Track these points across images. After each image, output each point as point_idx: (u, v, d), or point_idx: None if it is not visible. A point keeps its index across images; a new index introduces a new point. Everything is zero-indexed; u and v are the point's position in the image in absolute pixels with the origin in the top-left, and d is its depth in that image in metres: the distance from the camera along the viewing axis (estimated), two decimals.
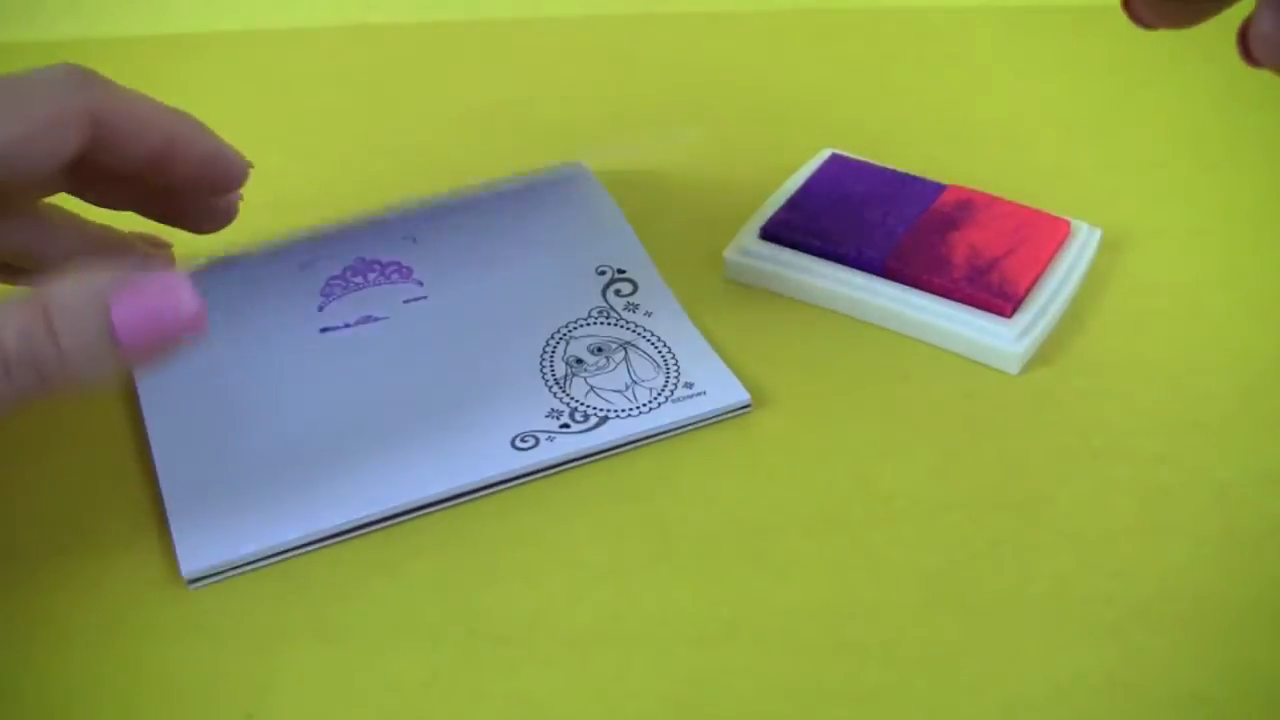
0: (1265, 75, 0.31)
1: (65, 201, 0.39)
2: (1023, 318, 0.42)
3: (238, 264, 0.39)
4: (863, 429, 0.40)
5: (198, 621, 0.35)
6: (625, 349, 0.42)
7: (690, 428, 0.40)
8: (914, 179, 0.47)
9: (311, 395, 0.40)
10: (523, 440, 0.39)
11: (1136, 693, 0.33)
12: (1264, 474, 0.38)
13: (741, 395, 0.41)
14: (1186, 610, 0.35)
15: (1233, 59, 0.31)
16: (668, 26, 0.59)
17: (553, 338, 0.42)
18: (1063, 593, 0.35)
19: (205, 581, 0.36)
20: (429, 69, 0.58)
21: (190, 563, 0.36)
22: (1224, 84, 0.54)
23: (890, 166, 0.48)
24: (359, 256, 0.45)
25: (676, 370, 0.41)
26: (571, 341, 0.42)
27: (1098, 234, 0.45)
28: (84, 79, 0.36)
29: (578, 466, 0.39)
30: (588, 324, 0.43)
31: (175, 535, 0.36)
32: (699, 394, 0.41)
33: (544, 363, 0.42)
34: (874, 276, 0.43)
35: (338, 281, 0.44)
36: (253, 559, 0.36)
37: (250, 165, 0.40)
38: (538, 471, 0.39)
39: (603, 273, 0.45)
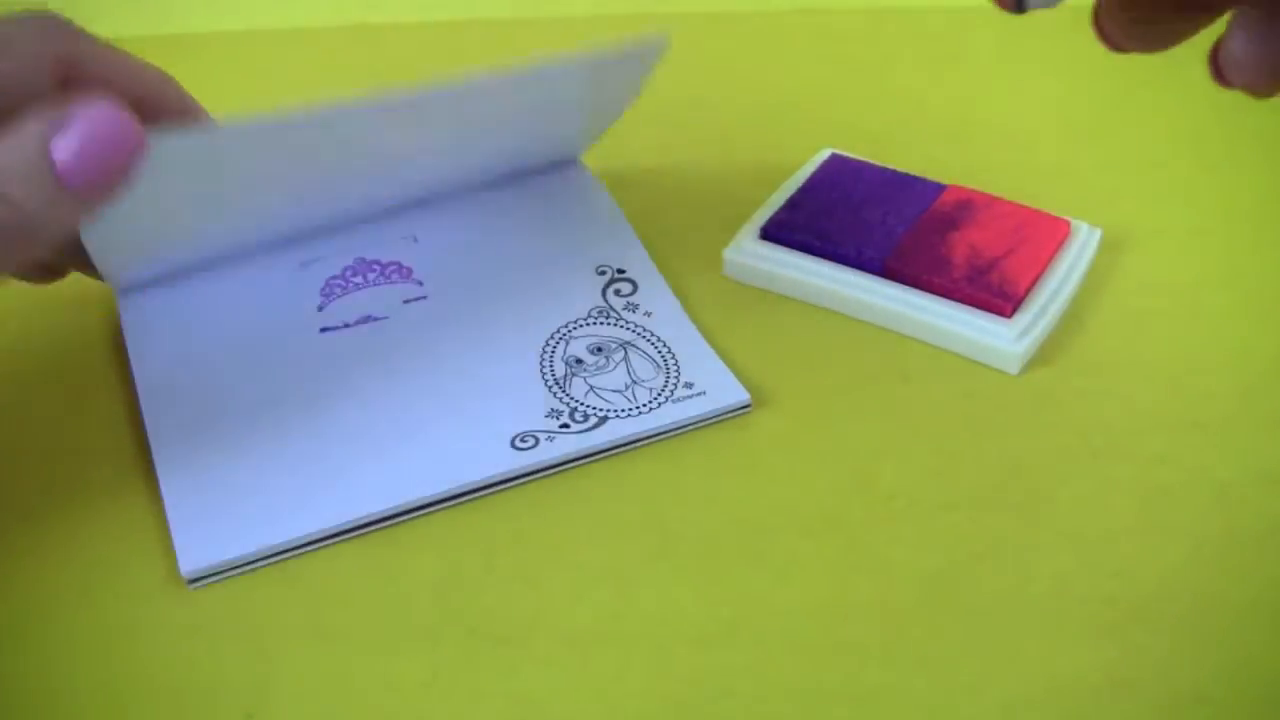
0: None
1: None
2: (1023, 318, 0.42)
3: (207, 135, 0.37)
4: (863, 429, 0.40)
5: (198, 621, 0.35)
6: (625, 349, 0.42)
7: (690, 428, 0.40)
8: (914, 179, 0.47)
9: (311, 395, 0.40)
10: (522, 440, 0.39)
11: (1136, 692, 0.33)
12: (1264, 474, 0.38)
13: (741, 395, 0.41)
14: (1186, 610, 0.35)
15: None
16: (668, 26, 0.59)
17: (552, 338, 0.42)
18: (1063, 593, 0.35)
19: (205, 581, 0.36)
20: (429, 69, 0.58)
21: (190, 562, 0.36)
22: None
23: (890, 166, 0.48)
24: (359, 256, 0.45)
25: (676, 370, 0.41)
26: (571, 341, 0.42)
27: (1098, 234, 0.45)
28: (58, 26, 0.35)
29: (577, 466, 0.39)
30: (587, 324, 0.43)
31: (175, 534, 0.36)
32: (699, 394, 0.41)
33: (544, 362, 0.42)
34: (874, 276, 0.43)
35: (337, 281, 0.44)
36: (253, 558, 0.36)
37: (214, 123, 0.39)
38: (538, 471, 0.39)
39: (603, 272, 0.45)
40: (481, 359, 0.42)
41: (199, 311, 0.43)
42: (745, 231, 0.46)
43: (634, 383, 0.41)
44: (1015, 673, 0.34)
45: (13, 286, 0.43)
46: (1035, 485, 0.38)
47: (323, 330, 0.43)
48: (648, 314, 0.43)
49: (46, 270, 0.42)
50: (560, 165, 0.49)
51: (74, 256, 0.40)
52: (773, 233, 0.45)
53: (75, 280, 0.43)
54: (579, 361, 0.42)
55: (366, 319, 0.43)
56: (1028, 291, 0.42)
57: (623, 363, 0.42)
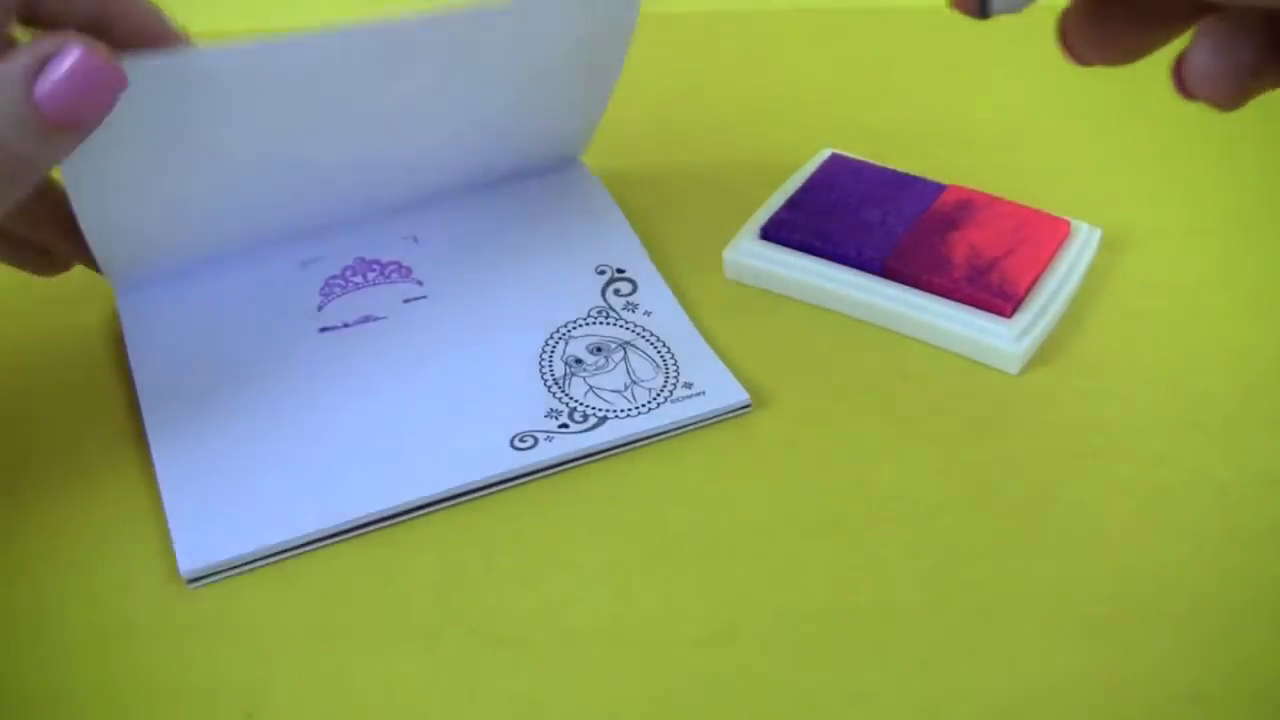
0: None
1: None
2: (1023, 318, 0.42)
3: (184, 56, 0.37)
4: (863, 429, 0.40)
5: (198, 621, 0.35)
6: (624, 349, 0.42)
7: (690, 428, 0.40)
8: (914, 179, 0.47)
9: (311, 395, 0.40)
10: (522, 440, 0.39)
11: (1136, 692, 0.33)
12: (1264, 474, 0.38)
13: (741, 395, 0.41)
14: (1186, 610, 0.35)
15: None
16: (668, 26, 0.59)
17: (552, 337, 0.42)
18: (1063, 593, 0.35)
19: (204, 581, 0.36)
20: None
21: (189, 562, 0.36)
22: None
23: (890, 166, 0.48)
24: (358, 256, 0.45)
25: (676, 370, 0.41)
26: (571, 341, 0.42)
27: (1098, 234, 0.45)
28: None
29: (577, 466, 0.39)
30: (587, 324, 0.43)
31: (174, 534, 0.36)
32: (698, 394, 0.41)
33: (543, 362, 0.42)
34: (874, 276, 0.43)
35: (337, 281, 0.44)
36: (252, 558, 0.36)
37: (188, 37, 0.39)
38: (537, 471, 0.39)
39: (602, 272, 0.45)
40: (481, 359, 0.42)
41: (198, 311, 0.43)
42: (745, 232, 0.46)
43: (633, 383, 0.41)
44: (1015, 673, 0.34)
45: (13, 285, 0.43)
46: (1035, 485, 0.38)
47: (322, 330, 0.43)
48: (647, 314, 0.43)
49: (49, 261, 0.42)
50: (560, 165, 0.49)
51: (75, 244, 0.40)
52: (773, 233, 0.45)
53: (75, 279, 0.43)
54: (578, 361, 0.42)
55: (366, 319, 0.43)
56: (1028, 291, 0.42)
57: (622, 363, 0.42)
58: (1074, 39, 0.31)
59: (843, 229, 0.45)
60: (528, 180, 0.48)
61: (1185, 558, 0.36)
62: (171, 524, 0.37)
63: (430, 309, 0.43)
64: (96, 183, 0.38)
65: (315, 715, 0.33)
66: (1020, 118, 0.53)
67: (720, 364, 0.42)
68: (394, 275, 0.44)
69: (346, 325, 0.43)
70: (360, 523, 0.37)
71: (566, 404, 0.40)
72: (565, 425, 0.39)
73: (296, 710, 0.33)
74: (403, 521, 0.37)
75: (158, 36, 0.38)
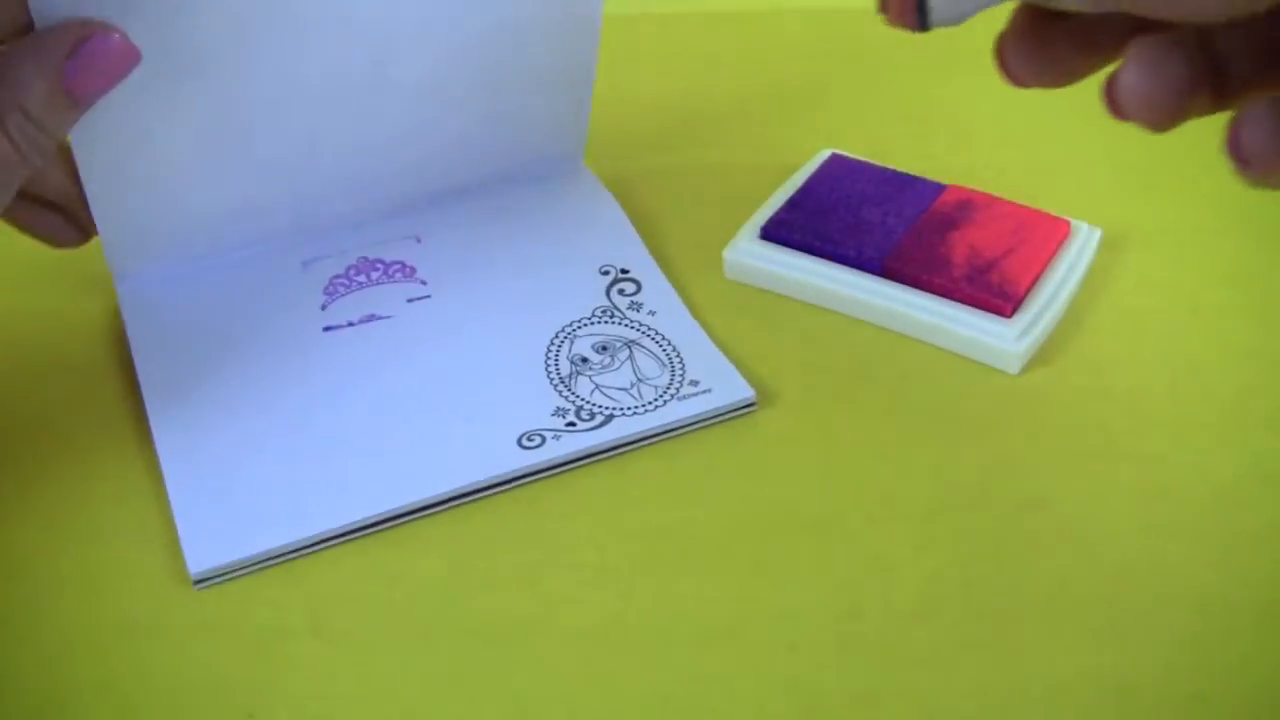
0: None
1: None
2: (1023, 318, 0.42)
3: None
4: (862, 429, 0.40)
5: (199, 621, 0.35)
6: (630, 347, 0.42)
7: (695, 426, 0.40)
8: (914, 179, 0.47)
9: (316, 395, 0.40)
10: (529, 439, 0.39)
11: (1136, 693, 0.33)
12: (1264, 474, 0.38)
13: (746, 392, 0.41)
14: (1186, 610, 0.35)
15: None
16: (668, 26, 0.59)
17: (557, 336, 0.42)
18: (1063, 593, 0.35)
19: (210, 581, 0.36)
20: None
21: (198, 562, 0.36)
22: None
23: (890, 166, 0.48)
24: (362, 255, 0.45)
25: (681, 368, 0.41)
26: (576, 340, 0.42)
27: (1098, 234, 0.45)
28: None
29: (581, 466, 0.39)
30: (592, 323, 0.43)
31: (182, 535, 0.36)
32: (704, 391, 0.41)
33: (549, 361, 0.42)
34: (874, 276, 0.43)
35: (341, 280, 0.44)
36: (260, 558, 0.36)
37: None
38: (543, 470, 0.39)
39: (606, 272, 0.45)
40: (486, 358, 0.42)
41: (202, 310, 0.43)
42: (745, 232, 0.46)
43: (639, 381, 0.41)
44: (1015, 673, 0.34)
45: (16, 285, 0.44)
46: (1035, 485, 0.38)
47: (326, 329, 0.43)
48: (652, 313, 0.43)
49: (78, 226, 0.42)
50: (562, 167, 0.49)
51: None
52: (773, 233, 0.45)
53: (79, 276, 0.43)
54: (584, 360, 0.42)
55: (370, 318, 0.43)
56: (1028, 291, 0.42)
57: (628, 361, 0.42)
58: (1010, 60, 0.31)
59: (843, 229, 0.45)
60: (530, 182, 0.48)
61: (1185, 558, 0.36)
62: (179, 525, 0.37)
63: (434, 308, 0.43)
64: (104, 149, 0.38)
65: (315, 715, 0.33)
66: (1020, 118, 0.53)
67: (726, 361, 0.42)
68: (398, 275, 0.44)
69: (351, 324, 0.43)
70: (369, 522, 0.37)
71: (573, 402, 0.40)
72: (572, 424, 0.39)
73: (297, 710, 0.33)
74: (406, 522, 0.37)
75: None
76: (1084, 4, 0.28)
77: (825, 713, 0.33)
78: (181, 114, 0.39)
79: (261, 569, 0.36)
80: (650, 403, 0.40)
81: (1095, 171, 0.50)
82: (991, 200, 0.46)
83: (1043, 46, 0.30)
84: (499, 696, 0.33)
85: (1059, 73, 0.31)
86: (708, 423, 0.40)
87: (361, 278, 0.44)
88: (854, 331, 0.43)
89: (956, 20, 0.29)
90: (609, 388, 0.41)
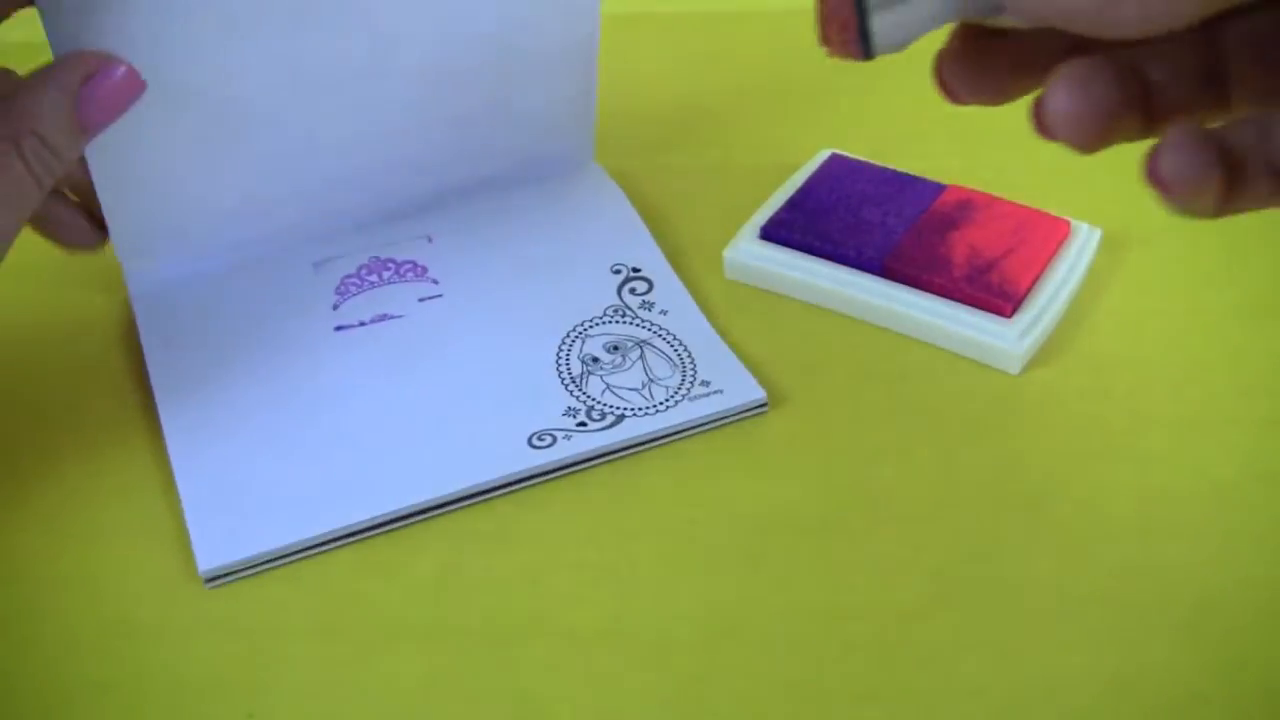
0: None
1: None
2: (1023, 318, 0.42)
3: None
4: (863, 429, 0.40)
5: (199, 621, 0.35)
6: (641, 347, 0.42)
7: (705, 427, 0.40)
8: (914, 179, 0.47)
9: (327, 394, 0.40)
10: (540, 438, 0.39)
11: (1136, 693, 0.33)
12: (1264, 474, 0.38)
13: (758, 393, 0.40)
14: (1186, 610, 0.35)
15: None
16: (668, 26, 0.59)
17: (568, 336, 0.42)
18: (1063, 593, 0.35)
19: (220, 581, 0.36)
20: None
21: (208, 560, 0.36)
22: None
23: (890, 166, 0.48)
24: (374, 255, 0.45)
25: (693, 369, 0.41)
26: (587, 340, 0.42)
27: (1098, 234, 0.45)
28: None
29: (589, 467, 0.39)
30: (603, 322, 0.43)
31: (192, 532, 0.36)
32: (716, 392, 0.41)
33: (560, 361, 0.42)
34: (874, 276, 0.43)
35: (352, 280, 0.44)
36: (270, 557, 0.36)
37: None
38: (554, 470, 0.39)
39: (617, 271, 0.45)
40: (497, 357, 0.42)
41: (214, 310, 0.43)
42: (745, 232, 0.46)
43: (651, 381, 0.41)
44: (1015, 673, 0.34)
45: (23, 284, 0.43)
46: (1035, 485, 0.38)
47: (338, 329, 0.43)
48: (663, 312, 0.43)
49: (98, 228, 0.42)
50: (573, 163, 0.49)
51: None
52: (773, 233, 0.45)
53: (89, 276, 0.43)
54: (595, 360, 0.42)
55: (382, 317, 0.43)
56: (1028, 291, 0.42)
57: (639, 361, 0.42)
58: (949, 78, 0.32)
59: (843, 229, 0.45)
60: (542, 181, 0.48)
61: (1185, 558, 0.36)
62: (190, 522, 0.37)
63: (446, 308, 0.43)
64: (110, 144, 0.38)
65: (315, 715, 0.33)
66: (1020, 118, 0.53)
67: (737, 362, 0.42)
68: (409, 274, 0.44)
69: (362, 324, 0.43)
70: (377, 521, 0.37)
71: (584, 402, 0.40)
72: (583, 424, 0.39)
73: (297, 710, 0.33)
74: (415, 522, 0.37)
75: None
76: (1018, 20, 0.28)
77: (826, 712, 0.33)
78: (182, 109, 0.39)
79: (268, 568, 0.36)
80: (661, 403, 0.40)
81: (1095, 171, 0.50)
82: (991, 200, 0.46)
83: (981, 65, 0.31)
84: (497, 696, 0.33)
85: (996, 91, 0.31)
86: (720, 422, 0.40)
87: (373, 277, 0.44)
88: (854, 331, 0.43)
89: (900, 46, 0.30)
90: (620, 388, 0.41)
